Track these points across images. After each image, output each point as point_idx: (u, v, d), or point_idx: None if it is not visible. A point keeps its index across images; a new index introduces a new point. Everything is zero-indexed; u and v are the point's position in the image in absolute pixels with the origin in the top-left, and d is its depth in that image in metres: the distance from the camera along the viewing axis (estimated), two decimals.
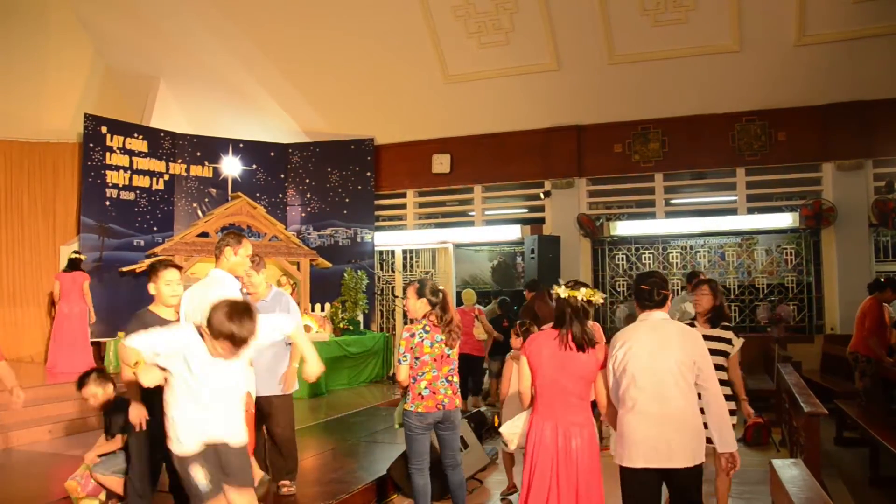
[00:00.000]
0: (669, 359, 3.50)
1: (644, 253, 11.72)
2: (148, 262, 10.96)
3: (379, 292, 13.14)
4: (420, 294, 4.70)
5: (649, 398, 3.49)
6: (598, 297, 3.76)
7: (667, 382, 3.49)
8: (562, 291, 3.78)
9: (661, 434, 3.46)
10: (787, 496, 3.02)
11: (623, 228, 11.62)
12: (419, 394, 4.56)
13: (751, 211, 11.12)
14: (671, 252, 11.61)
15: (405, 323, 12.98)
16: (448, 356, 4.65)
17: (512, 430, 4.19)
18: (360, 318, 12.15)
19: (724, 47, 10.37)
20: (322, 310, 11.59)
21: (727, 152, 11.13)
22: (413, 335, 4.59)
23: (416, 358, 4.57)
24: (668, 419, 3.47)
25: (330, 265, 12.12)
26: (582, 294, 3.73)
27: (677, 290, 10.00)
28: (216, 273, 4.48)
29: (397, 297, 12.95)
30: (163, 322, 4.17)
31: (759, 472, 6.30)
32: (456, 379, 4.71)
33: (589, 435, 3.66)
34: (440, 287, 4.81)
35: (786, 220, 10.87)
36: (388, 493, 5.77)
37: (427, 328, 4.62)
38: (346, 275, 11.90)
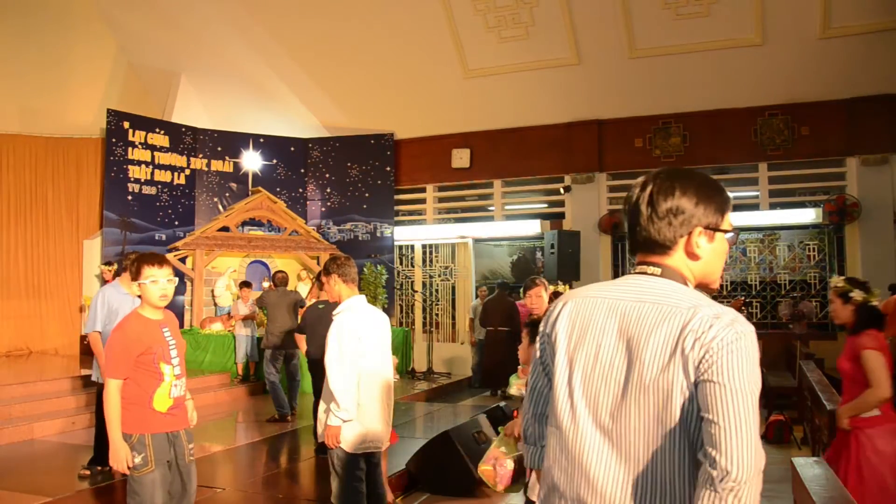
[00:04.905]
0: None
1: None
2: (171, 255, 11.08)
3: (398, 287, 13.15)
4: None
5: None
6: None
7: None
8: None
9: None
10: (809, 495, 2.99)
11: None
12: None
13: (773, 206, 10.99)
14: None
15: (424, 318, 13.01)
16: None
17: None
18: None
19: (747, 40, 10.24)
20: None
21: (749, 147, 11.01)
22: None
23: None
24: None
25: None
26: None
27: None
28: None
29: (416, 291, 12.95)
30: None
31: (780, 470, 6.24)
32: None
33: None
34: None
35: (809, 215, 10.75)
36: (407, 487, 5.78)
37: None
38: (365, 269, 11.91)
